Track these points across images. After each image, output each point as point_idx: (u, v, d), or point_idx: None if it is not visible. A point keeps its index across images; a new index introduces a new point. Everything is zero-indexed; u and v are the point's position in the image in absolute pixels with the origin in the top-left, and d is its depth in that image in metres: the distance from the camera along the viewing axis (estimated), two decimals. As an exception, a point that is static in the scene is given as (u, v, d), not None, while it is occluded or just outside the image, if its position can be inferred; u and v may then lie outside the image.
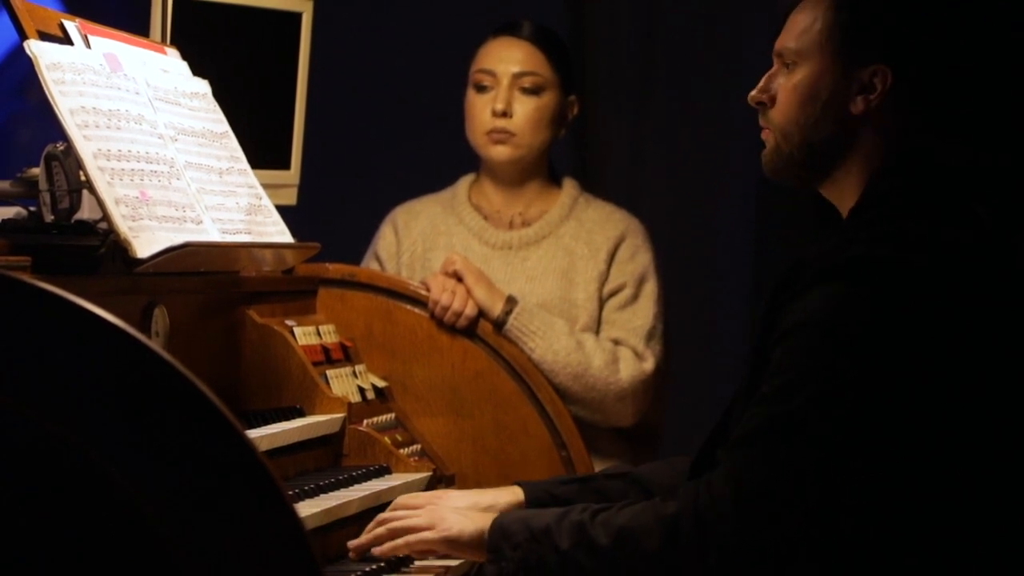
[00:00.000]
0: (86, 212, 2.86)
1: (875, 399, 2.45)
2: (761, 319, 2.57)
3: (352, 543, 2.84)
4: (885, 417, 2.45)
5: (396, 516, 2.81)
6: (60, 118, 2.76)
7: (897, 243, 2.51)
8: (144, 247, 2.75)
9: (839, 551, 2.46)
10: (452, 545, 2.73)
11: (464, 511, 2.78)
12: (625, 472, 2.94)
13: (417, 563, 2.85)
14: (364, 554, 2.82)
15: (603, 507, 2.59)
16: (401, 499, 2.92)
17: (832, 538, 2.46)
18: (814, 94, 2.64)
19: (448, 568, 2.84)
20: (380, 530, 2.80)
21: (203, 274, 3.07)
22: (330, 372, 3.34)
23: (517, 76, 3.96)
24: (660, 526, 2.49)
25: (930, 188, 2.60)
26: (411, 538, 2.76)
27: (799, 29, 2.66)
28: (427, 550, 2.78)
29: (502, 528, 2.66)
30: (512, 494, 2.90)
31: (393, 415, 3.50)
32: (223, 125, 3.23)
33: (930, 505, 2.47)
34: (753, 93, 2.70)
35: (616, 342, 3.85)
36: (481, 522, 2.70)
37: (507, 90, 3.95)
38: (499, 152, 3.96)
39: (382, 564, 2.81)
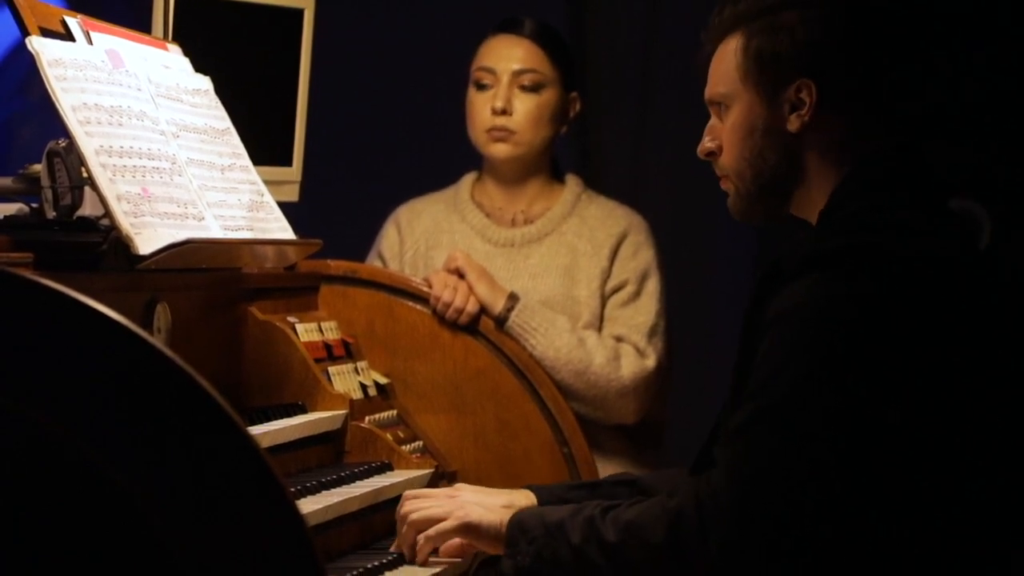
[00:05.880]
0: (88, 209, 2.86)
1: (859, 385, 2.47)
2: (745, 316, 2.61)
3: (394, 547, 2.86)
4: (869, 402, 2.47)
5: (414, 509, 2.82)
6: (62, 115, 2.76)
7: (876, 231, 2.55)
8: (146, 244, 2.75)
9: (836, 539, 2.48)
10: (470, 532, 2.75)
11: (484, 503, 2.80)
12: (632, 480, 2.96)
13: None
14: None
15: (614, 504, 2.63)
16: (411, 493, 2.92)
17: (829, 525, 2.47)
18: (751, 128, 2.69)
19: (449, 563, 2.85)
20: (405, 530, 2.81)
21: (205, 271, 3.07)
22: (332, 369, 3.34)
23: (517, 74, 3.96)
24: (664, 519, 2.53)
25: (895, 182, 2.64)
26: (430, 532, 2.78)
27: (720, 74, 2.73)
28: (447, 540, 2.79)
29: (520, 523, 2.69)
30: (525, 497, 2.91)
31: (395, 412, 3.50)
32: (225, 121, 3.23)
33: (922, 488, 2.49)
34: (701, 147, 2.76)
35: (618, 339, 3.84)
36: (501, 515, 2.73)
37: (507, 88, 3.95)
38: (499, 150, 3.96)
39: (384, 561, 2.82)
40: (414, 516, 2.80)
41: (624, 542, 2.56)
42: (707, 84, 2.76)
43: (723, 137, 2.73)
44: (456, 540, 2.80)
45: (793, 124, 2.66)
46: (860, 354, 2.47)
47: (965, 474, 2.50)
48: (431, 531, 2.78)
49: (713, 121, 2.76)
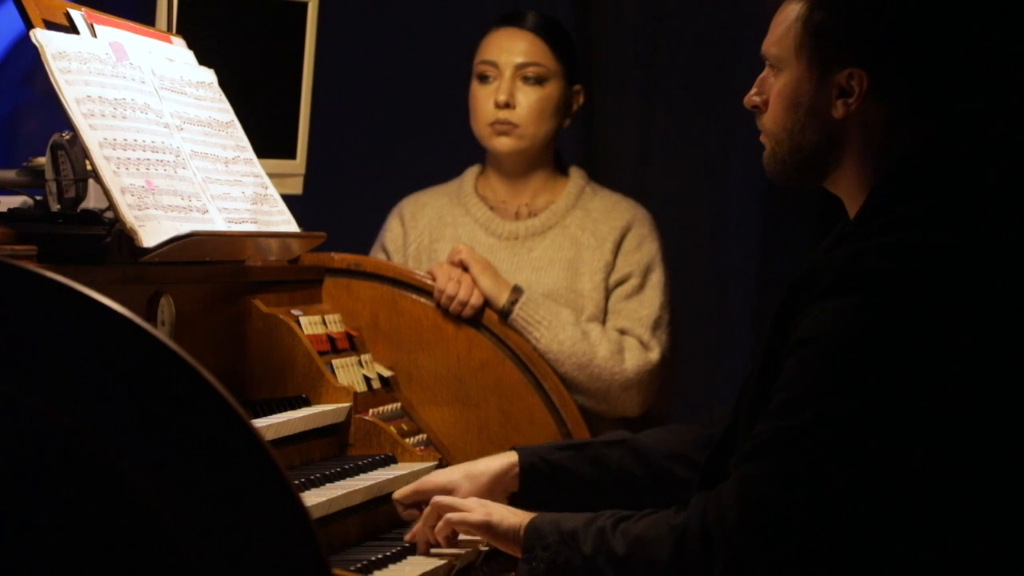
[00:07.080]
0: (92, 201, 2.87)
1: (885, 416, 2.43)
2: (771, 324, 2.55)
3: (408, 537, 2.90)
4: (894, 434, 2.43)
5: (446, 500, 2.85)
6: (66, 107, 2.76)
7: (910, 253, 2.49)
8: (150, 236, 2.75)
9: (845, 566, 2.45)
10: (489, 531, 2.75)
11: (510, 506, 2.81)
12: (623, 439, 2.96)
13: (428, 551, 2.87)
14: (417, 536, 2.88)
15: (627, 515, 2.61)
16: (404, 491, 2.98)
17: (838, 553, 2.44)
18: (796, 101, 2.63)
19: (455, 554, 2.85)
20: (429, 510, 2.85)
21: (209, 263, 3.07)
22: (336, 362, 3.34)
23: (520, 67, 3.96)
24: (670, 536, 2.51)
25: (937, 183, 2.58)
26: (453, 516, 2.79)
27: (778, 34, 2.66)
28: (466, 532, 2.82)
29: (536, 528, 2.69)
30: (506, 457, 2.93)
31: (399, 405, 3.51)
32: (229, 114, 3.23)
33: (938, 521, 2.45)
34: (747, 98, 2.71)
35: (622, 332, 3.85)
36: (521, 518, 2.73)
37: (510, 81, 3.95)
38: (502, 143, 3.96)
39: (388, 553, 2.82)
40: (441, 500, 2.83)
41: (631, 556, 2.54)
42: (768, 35, 2.68)
43: (770, 97, 2.67)
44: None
45: (839, 110, 2.60)
46: (888, 385, 2.43)
47: (992, 508, 2.46)
48: (455, 516, 2.79)
49: (765, 73, 2.69)
